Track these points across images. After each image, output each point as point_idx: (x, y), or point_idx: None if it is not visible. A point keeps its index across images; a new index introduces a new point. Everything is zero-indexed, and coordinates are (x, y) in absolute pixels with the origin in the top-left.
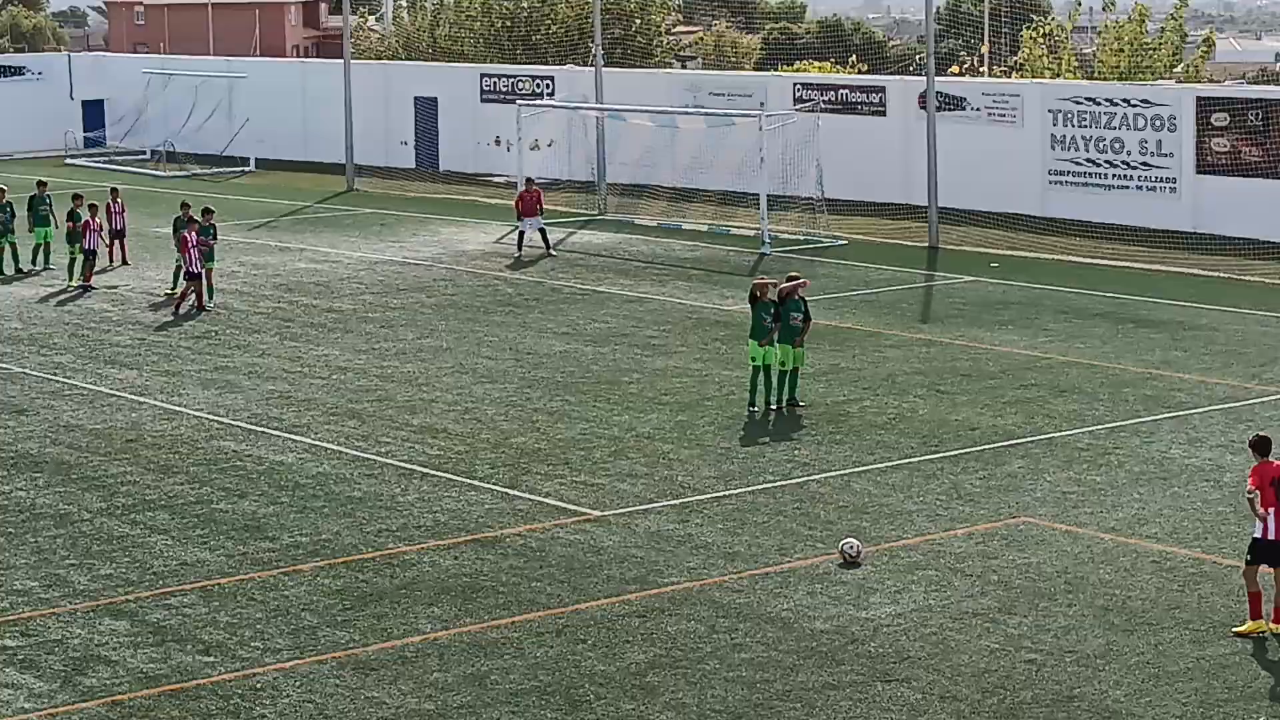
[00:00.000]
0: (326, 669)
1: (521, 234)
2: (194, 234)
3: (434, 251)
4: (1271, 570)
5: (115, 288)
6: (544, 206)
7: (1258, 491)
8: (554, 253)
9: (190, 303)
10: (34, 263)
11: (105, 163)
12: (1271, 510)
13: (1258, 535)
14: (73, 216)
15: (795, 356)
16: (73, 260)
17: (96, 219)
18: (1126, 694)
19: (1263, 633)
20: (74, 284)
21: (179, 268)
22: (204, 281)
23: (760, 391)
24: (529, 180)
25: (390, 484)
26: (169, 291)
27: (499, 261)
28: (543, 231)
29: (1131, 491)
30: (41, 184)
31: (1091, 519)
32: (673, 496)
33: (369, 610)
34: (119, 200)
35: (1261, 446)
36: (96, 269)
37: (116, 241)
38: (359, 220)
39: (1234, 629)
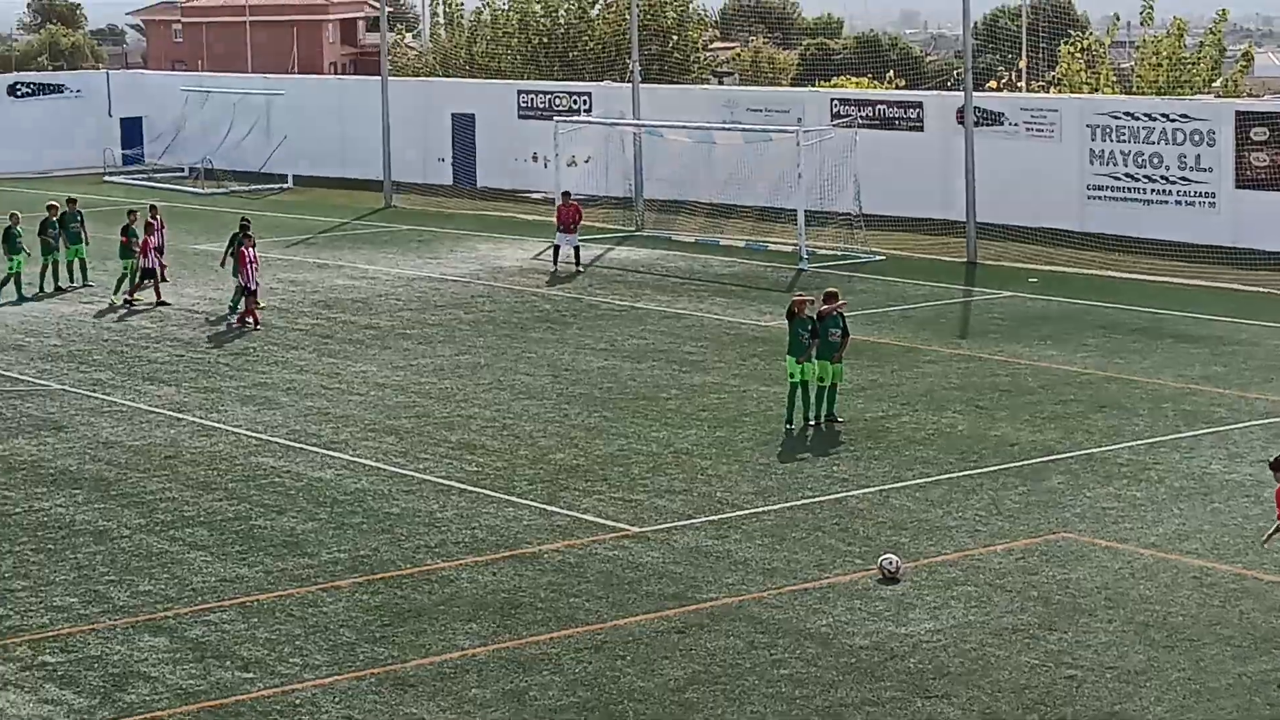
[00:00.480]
0: (365, 685)
1: (556, 248)
2: (252, 250)
3: (472, 268)
4: None
5: (154, 305)
6: (581, 222)
7: None
8: (582, 269)
9: (249, 320)
10: (71, 279)
11: (143, 180)
12: None
13: None
14: (127, 232)
15: (834, 372)
16: (123, 276)
17: (153, 236)
18: (1168, 710)
19: None
20: (119, 299)
21: (240, 286)
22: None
23: (798, 408)
24: (565, 194)
25: (428, 500)
26: (231, 309)
27: (537, 278)
28: (576, 249)
29: (1172, 507)
30: (71, 201)
31: (1132, 534)
32: (711, 512)
33: (407, 626)
34: (158, 217)
35: None
36: (140, 288)
37: (149, 279)
38: (397, 237)
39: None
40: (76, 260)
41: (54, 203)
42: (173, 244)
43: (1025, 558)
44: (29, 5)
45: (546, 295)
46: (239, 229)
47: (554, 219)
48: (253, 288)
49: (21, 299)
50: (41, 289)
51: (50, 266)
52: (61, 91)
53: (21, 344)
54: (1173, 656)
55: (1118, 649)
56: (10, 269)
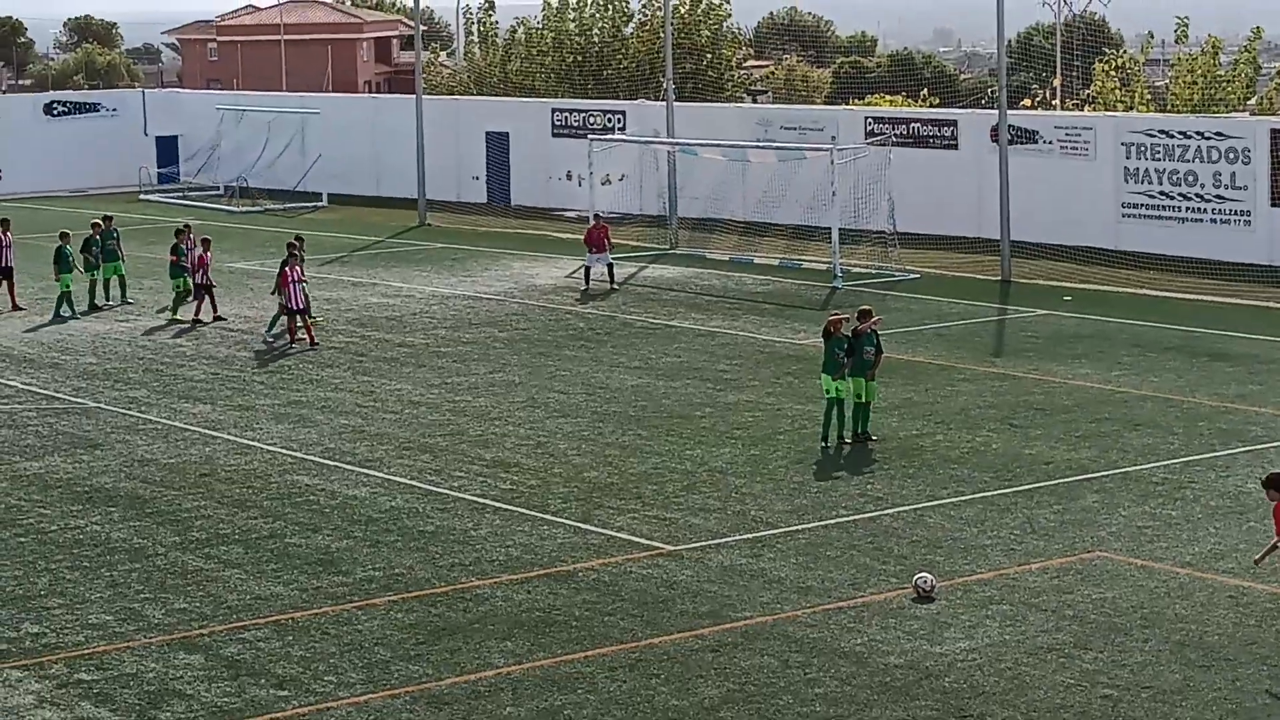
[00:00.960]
0: (400, 703)
1: (587, 269)
2: (296, 270)
3: (506, 286)
4: None
5: (189, 323)
6: (612, 242)
7: None
8: (617, 287)
9: (286, 338)
10: (108, 297)
11: (179, 198)
12: None
13: None
14: (176, 250)
15: (868, 390)
16: (178, 295)
17: (209, 253)
18: None
19: None
20: (173, 316)
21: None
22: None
23: (833, 425)
24: (597, 216)
25: (463, 518)
26: (269, 327)
27: (571, 296)
28: (610, 267)
29: (1207, 526)
30: (107, 219)
31: (1167, 553)
32: (745, 531)
33: (442, 644)
34: (192, 236)
35: (1275, 483)
36: (181, 306)
37: (205, 294)
38: (431, 255)
39: None
40: (115, 278)
41: (98, 221)
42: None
43: (1060, 577)
44: (65, 24)
45: (580, 313)
46: (287, 248)
47: (584, 240)
48: (294, 307)
49: (73, 316)
50: (90, 306)
51: (93, 284)
52: (97, 110)
53: (58, 362)
54: (1209, 676)
55: (1153, 668)
56: (62, 287)
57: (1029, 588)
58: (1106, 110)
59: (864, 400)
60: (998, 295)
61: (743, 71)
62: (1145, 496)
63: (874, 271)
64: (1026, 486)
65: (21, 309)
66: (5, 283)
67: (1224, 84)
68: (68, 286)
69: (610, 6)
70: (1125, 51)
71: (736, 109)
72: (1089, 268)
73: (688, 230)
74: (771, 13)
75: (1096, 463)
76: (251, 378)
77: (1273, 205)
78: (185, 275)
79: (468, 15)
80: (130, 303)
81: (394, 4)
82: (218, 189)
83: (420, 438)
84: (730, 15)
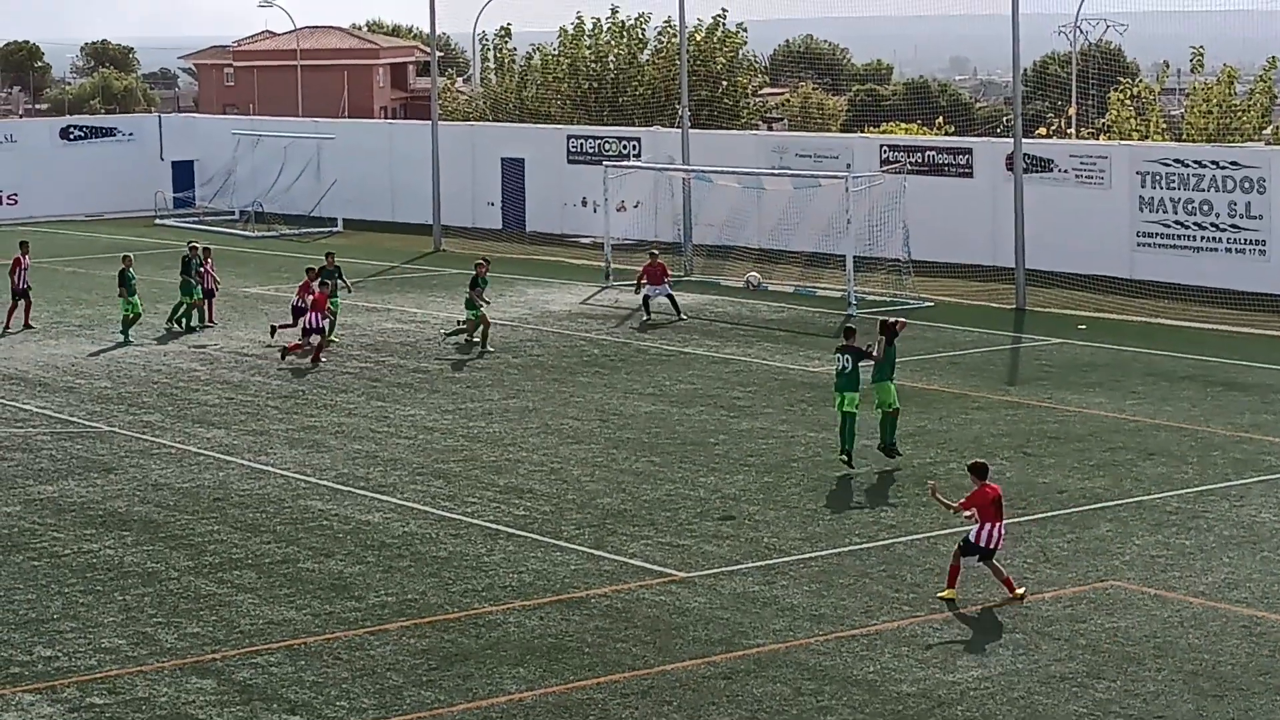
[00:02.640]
0: None
1: (647, 299)
2: (316, 292)
3: (520, 312)
4: None
5: (204, 347)
6: (670, 276)
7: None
8: (684, 318)
9: (299, 355)
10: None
11: (194, 223)
12: None
13: None
14: (187, 268)
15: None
16: (188, 307)
17: (210, 262)
18: None
19: None
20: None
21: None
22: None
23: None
24: (653, 254)
25: (476, 544)
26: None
27: (585, 322)
28: (671, 298)
29: (1221, 555)
30: (193, 248)
31: (1180, 583)
32: (758, 558)
33: (454, 670)
34: (209, 260)
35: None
36: (184, 326)
37: (206, 301)
38: (446, 281)
39: None
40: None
41: (195, 243)
42: (223, 287)
43: (1073, 606)
44: (82, 49)
45: (594, 340)
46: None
47: (641, 277)
48: (312, 326)
49: (126, 341)
50: (190, 325)
51: (190, 306)
52: (114, 135)
53: (72, 385)
54: (1221, 706)
55: (1166, 698)
56: (125, 310)
57: (1042, 616)
58: (1122, 139)
59: (891, 408)
60: (1012, 324)
61: (758, 99)
62: (1159, 526)
63: (888, 299)
64: (1040, 515)
65: (33, 328)
66: (23, 303)
67: (1239, 113)
68: (129, 310)
69: (626, 33)
70: (1141, 80)
71: (752, 136)
72: (1103, 296)
73: (702, 257)
74: (787, 40)
75: (1110, 492)
76: (265, 403)
77: None
78: (196, 289)
79: (484, 41)
80: (212, 325)
81: (410, 30)
82: (233, 214)
83: (434, 463)
84: (746, 43)
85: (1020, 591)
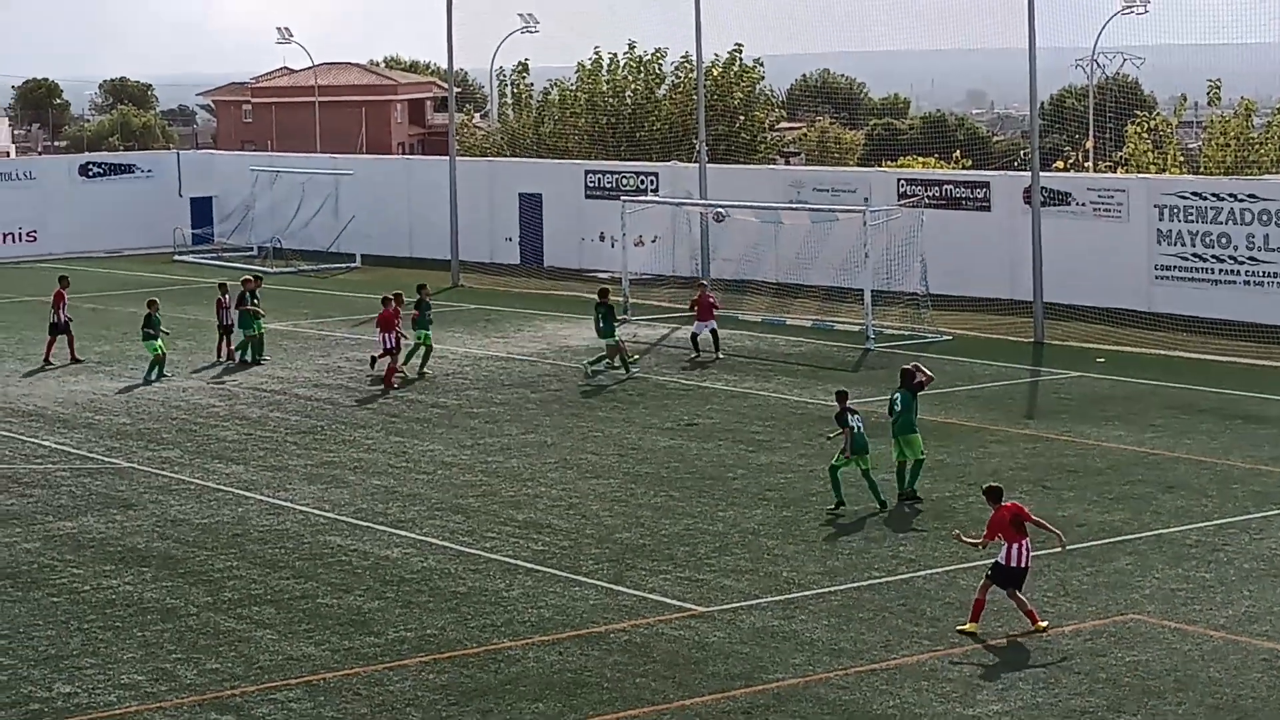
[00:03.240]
0: None
1: (695, 336)
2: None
3: (539, 347)
4: None
5: (222, 382)
6: (719, 309)
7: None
8: (722, 356)
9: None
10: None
11: (213, 259)
12: None
13: None
14: (246, 300)
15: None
16: (247, 339)
17: (227, 296)
18: None
19: None
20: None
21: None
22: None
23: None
24: (703, 285)
25: (495, 579)
26: (406, 372)
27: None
28: (714, 333)
29: (1241, 589)
30: (246, 281)
31: (1201, 616)
32: (777, 592)
33: (473, 706)
34: (227, 296)
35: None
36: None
37: (224, 336)
38: (464, 316)
39: None
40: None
41: (249, 277)
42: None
43: (1093, 639)
44: (101, 86)
45: (612, 374)
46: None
47: (690, 306)
48: (387, 348)
49: (159, 377)
50: (249, 358)
51: (246, 339)
52: (132, 171)
53: (91, 422)
54: None
55: None
56: (151, 351)
57: (1062, 650)
58: (1139, 172)
59: (914, 459)
60: (1030, 357)
61: (775, 134)
62: (1179, 559)
63: (907, 333)
64: (1059, 549)
65: (81, 361)
66: (64, 337)
67: (1257, 146)
68: (155, 351)
69: (643, 68)
70: (1158, 113)
71: (769, 171)
72: (1122, 329)
73: (720, 291)
74: (804, 75)
75: (1130, 525)
76: (284, 438)
77: None
78: (258, 321)
79: (502, 77)
80: (265, 360)
81: (428, 66)
82: (252, 250)
83: (452, 498)
84: (763, 78)
85: (1043, 624)
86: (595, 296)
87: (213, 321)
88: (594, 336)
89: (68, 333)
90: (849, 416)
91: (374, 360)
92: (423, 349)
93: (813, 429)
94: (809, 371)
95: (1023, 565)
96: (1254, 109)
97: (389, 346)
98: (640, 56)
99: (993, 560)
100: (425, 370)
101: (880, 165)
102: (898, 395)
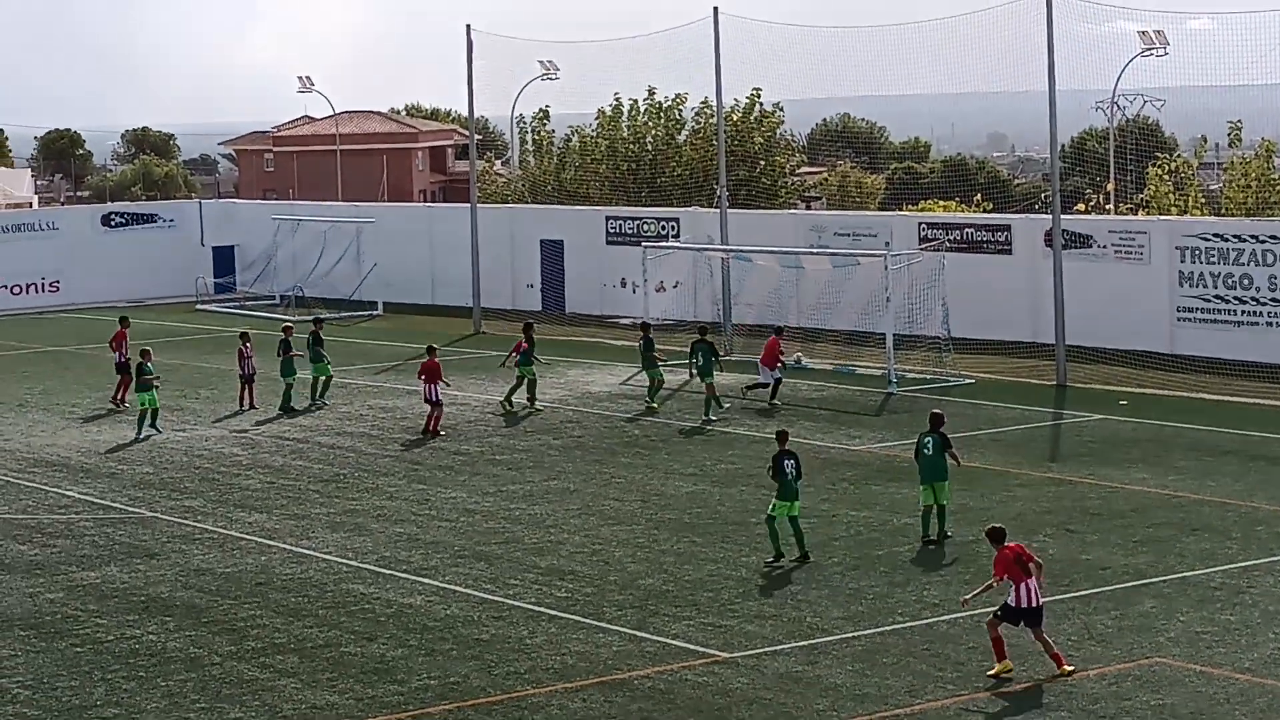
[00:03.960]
0: None
1: (759, 385)
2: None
3: (560, 393)
4: None
5: (245, 431)
6: (784, 356)
7: None
8: (776, 404)
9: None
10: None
11: (235, 308)
12: None
13: None
14: (287, 347)
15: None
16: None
17: (249, 345)
18: None
19: None
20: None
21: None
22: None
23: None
24: (779, 329)
25: (518, 626)
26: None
27: (626, 403)
28: (778, 381)
29: (1266, 631)
30: (288, 329)
31: (1226, 659)
32: (801, 637)
33: None
34: (249, 345)
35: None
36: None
37: (247, 385)
38: (485, 363)
39: None
40: (322, 378)
41: (289, 324)
42: (263, 371)
43: (1118, 683)
44: (123, 136)
45: (635, 420)
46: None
47: (761, 357)
48: (432, 399)
49: (153, 433)
50: (292, 406)
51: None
52: (155, 221)
53: (114, 471)
54: None
55: None
56: (141, 404)
57: (1087, 694)
58: (1160, 214)
59: (939, 504)
60: (1053, 400)
61: (796, 178)
62: (1203, 602)
63: (929, 377)
64: (1083, 592)
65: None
66: (122, 378)
67: (1278, 187)
68: (147, 404)
69: (663, 114)
70: (1179, 155)
71: (790, 215)
72: (1144, 372)
73: (742, 336)
74: (824, 119)
75: (1154, 568)
76: (307, 486)
77: None
78: (295, 371)
79: (522, 124)
80: (326, 403)
81: (449, 113)
82: (274, 298)
83: (475, 545)
84: (783, 122)
85: (1069, 668)
86: (696, 334)
87: (235, 370)
88: (616, 382)
89: (126, 373)
90: (784, 461)
91: (433, 430)
92: (527, 380)
93: (835, 474)
94: (831, 416)
95: (1033, 605)
96: (1275, 150)
97: (433, 398)
98: (660, 102)
99: (1002, 602)
100: (536, 402)
101: (901, 209)
102: (928, 440)
